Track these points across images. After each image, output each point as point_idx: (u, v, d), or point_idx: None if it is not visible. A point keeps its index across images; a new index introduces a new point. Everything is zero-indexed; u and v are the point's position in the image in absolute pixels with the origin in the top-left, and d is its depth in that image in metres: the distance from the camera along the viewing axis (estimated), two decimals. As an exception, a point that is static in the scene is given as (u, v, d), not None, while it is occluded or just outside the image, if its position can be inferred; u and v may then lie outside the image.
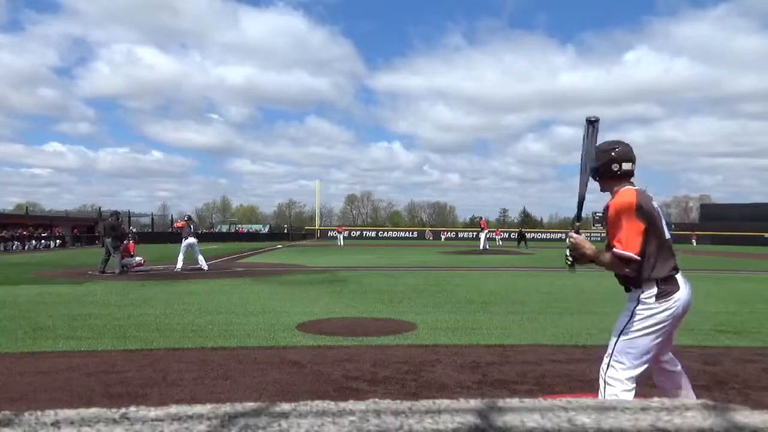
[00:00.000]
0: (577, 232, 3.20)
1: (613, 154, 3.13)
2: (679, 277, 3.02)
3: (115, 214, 16.40)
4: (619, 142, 3.20)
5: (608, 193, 3.19)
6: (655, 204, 3.10)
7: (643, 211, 2.96)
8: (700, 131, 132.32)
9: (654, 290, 2.95)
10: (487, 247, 32.52)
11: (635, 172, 3.19)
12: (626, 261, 2.92)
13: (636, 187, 3.13)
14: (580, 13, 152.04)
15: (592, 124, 3.05)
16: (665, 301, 2.93)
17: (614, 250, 2.95)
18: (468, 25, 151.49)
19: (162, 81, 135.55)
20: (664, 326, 2.94)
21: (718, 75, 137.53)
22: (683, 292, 2.98)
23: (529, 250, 35.17)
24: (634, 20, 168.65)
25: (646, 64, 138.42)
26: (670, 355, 3.24)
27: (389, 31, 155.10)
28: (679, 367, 3.24)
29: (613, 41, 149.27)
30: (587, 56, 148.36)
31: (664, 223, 3.10)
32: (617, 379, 3.00)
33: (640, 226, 2.93)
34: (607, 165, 3.12)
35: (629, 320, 3.01)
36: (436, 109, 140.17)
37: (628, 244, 2.91)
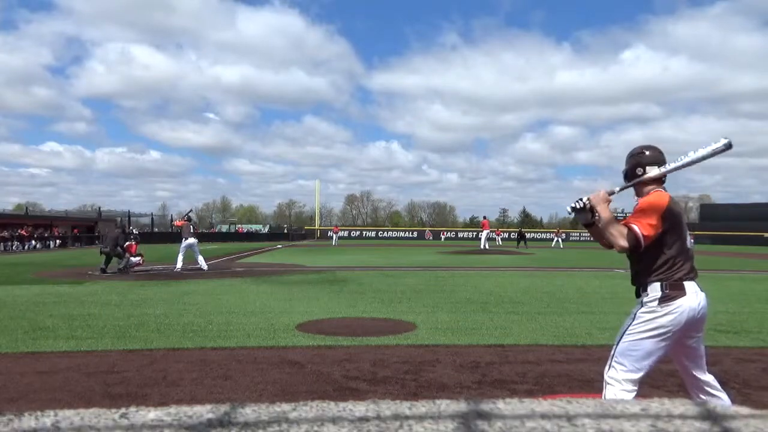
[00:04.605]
0: (610, 194, 3.19)
1: (639, 157, 3.20)
2: (690, 284, 3.00)
3: (122, 227, 16.72)
4: (648, 147, 3.25)
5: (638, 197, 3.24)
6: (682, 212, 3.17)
7: (669, 215, 3.01)
8: (699, 131, 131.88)
9: (658, 294, 2.96)
10: (487, 247, 32.54)
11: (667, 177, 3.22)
12: (633, 238, 2.97)
13: (668, 193, 3.17)
14: (577, 11, 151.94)
15: (727, 148, 3.02)
16: (667, 306, 2.93)
17: (632, 224, 2.99)
18: (464, 24, 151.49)
19: (158, 80, 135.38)
20: (666, 331, 2.93)
21: (717, 74, 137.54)
22: (691, 300, 2.96)
23: (529, 250, 35.18)
24: (631, 18, 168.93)
25: (644, 62, 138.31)
26: (712, 378, 3.19)
27: (385, 30, 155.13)
28: (723, 396, 3.16)
29: (610, 40, 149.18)
30: (584, 55, 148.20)
31: (687, 232, 3.14)
32: (616, 379, 3.01)
33: (659, 225, 2.97)
34: (633, 168, 3.20)
35: (632, 322, 3.03)
36: (433, 108, 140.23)
37: (643, 228, 2.96)
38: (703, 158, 3.06)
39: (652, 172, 3.14)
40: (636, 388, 2.98)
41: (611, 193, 3.19)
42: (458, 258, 24.78)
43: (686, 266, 3.03)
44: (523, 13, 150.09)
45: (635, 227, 2.97)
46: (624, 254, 3.16)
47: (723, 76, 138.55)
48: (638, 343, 2.97)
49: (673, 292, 2.95)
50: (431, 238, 62.07)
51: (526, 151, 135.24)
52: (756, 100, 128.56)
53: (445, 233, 64.93)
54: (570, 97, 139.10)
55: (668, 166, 3.14)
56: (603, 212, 3.10)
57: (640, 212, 3.04)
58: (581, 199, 3.21)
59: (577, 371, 4.98)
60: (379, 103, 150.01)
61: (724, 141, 3.01)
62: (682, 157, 3.12)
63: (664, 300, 2.95)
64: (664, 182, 3.24)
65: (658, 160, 3.18)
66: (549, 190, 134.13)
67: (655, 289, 2.98)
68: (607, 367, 3.09)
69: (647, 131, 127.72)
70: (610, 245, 3.23)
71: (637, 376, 2.99)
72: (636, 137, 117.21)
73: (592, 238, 3.45)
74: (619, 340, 3.05)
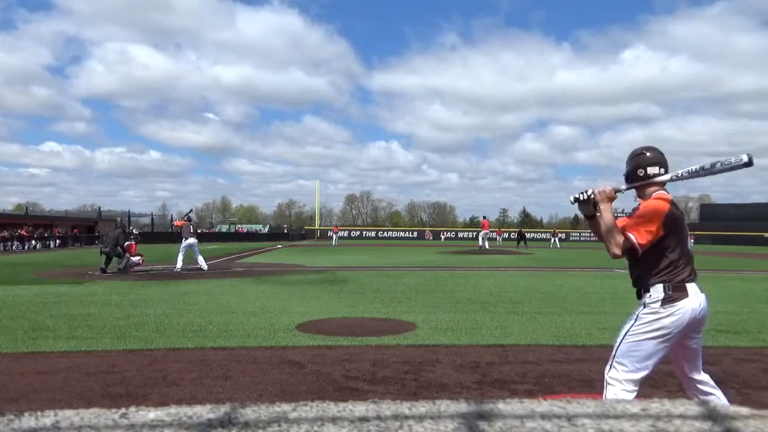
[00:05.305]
0: (616, 191, 3.19)
1: (640, 159, 3.21)
2: (692, 286, 3.02)
3: (123, 227, 16.84)
4: (648, 148, 3.26)
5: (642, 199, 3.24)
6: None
7: (669, 220, 3.01)
8: (699, 130, 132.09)
9: (661, 295, 2.97)
10: (487, 247, 32.58)
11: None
12: (629, 247, 3.00)
13: (670, 195, 3.18)
14: (577, 11, 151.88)
15: (747, 165, 2.86)
16: (670, 307, 2.94)
17: (629, 234, 3.02)
18: (463, 24, 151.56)
19: (157, 80, 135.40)
20: (667, 332, 2.94)
21: (717, 74, 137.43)
22: (692, 301, 2.97)
23: (529, 250, 35.19)
24: (631, 18, 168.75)
25: (644, 62, 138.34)
26: (707, 377, 3.20)
27: (385, 29, 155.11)
28: (718, 393, 3.18)
29: (610, 40, 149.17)
30: (584, 55, 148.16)
31: (687, 234, 3.16)
32: (617, 379, 3.02)
33: (659, 232, 2.99)
34: (634, 170, 3.21)
35: (634, 323, 3.03)
36: (432, 108, 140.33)
37: (641, 237, 2.98)
38: (720, 172, 2.99)
39: (664, 177, 3.15)
40: (637, 388, 2.99)
41: (617, 191, 3.20)
42: (458, 258, 24.78)
43: (688, 268, 3.05)
44: (523, 13, 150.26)
45: (632, 237, 3.00)
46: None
47: (723, 76, 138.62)
48: (640, 344, 2.97)
49: (675, 293, 2.97)
50: (431, 238, 62.08)
51: (526, 151, 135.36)
52: (756, 100, 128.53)
53: (445, 233, 64.93)
54: (570, 97, 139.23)
55: (680, 173, 3.12)
56: (605, 212, 3.12)
57: (641, 218, 3.05)
58: (586, 192, 3.22)
59: (577, 371, 4.98)
60: (378, 103, 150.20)
61: (745, 158, 2.83)
62: (695, 167, 3.07)
63: (666, 301, 2.95)
64: (665, 183, 3.25)
65: (659, 161, 3.19)
66: (549, 190, 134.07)
67: (657, 291, 2.99)
68: (607, 368, 3.10)
69: (647, 131, 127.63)
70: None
71: (638, 376, 2.99)
72: (636, 137, 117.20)
73: (591, 233, 3.47)
74: (621, 340, 3.06)
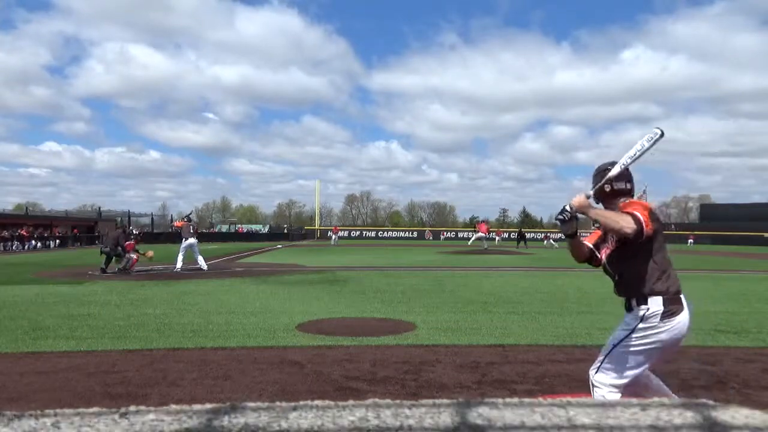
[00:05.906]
0: (587, 197, 3.14)
1: (605, 174, 3.17)
2: (683, 297, 2.99)
3: (123, 227, 16.93)
4: (613, 164, 3.22)
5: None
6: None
7: (654, 215, 2.98)
8: (699, 131, 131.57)
9: (660, 309, 2.91)
10: (486, 247, 32.69)
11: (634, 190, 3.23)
12: (637, 222, 2.84)
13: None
14: (576, 10, 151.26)
15: (662, 136, 3.12)
16: (669, 322, 2.90)
17: (633, 212, 2.89)
18: (463, 24, 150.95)
19: (157, 80, 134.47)
20: (663, 345, 2.93)
21: (716, 74, 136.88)
22: (686, 313, 2.95)
23: (529, 250, 35.19)
24: (630, 18, 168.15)
25: (644, 62, 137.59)
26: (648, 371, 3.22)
27: (384, 29, 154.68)
28: (651, 375, 3.21)
29: (609, 39, 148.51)
30: (583, 54, 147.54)
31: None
32: (604, 383, 3.04)
33: (650, 223, 2.92)
34: (601, 186, 3.18)
35: (628, 335, 2.98)
36: (432, 108, 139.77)
37: (644, 217, 2.88)
38: (647, 149, 3.13)
39: (614, 171, 3.11)
40: (621, 390, 3.02)
41: (588, 196, 3.13)
42: (458, 258, 24.78)
43: (675, 277, 3.01)
44: (522, 13, 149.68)
45: (637, 213, 2.86)
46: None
47: (723, 76, 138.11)
48: (633, 355, 2.97)
49: (673, 306, 2.92)
50: (431, 238, 62.05)
51: (526, 151, 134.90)
52: (756, 100, 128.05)
53: (445, 233, 64.92)
54: (569, 96, 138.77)
55: (624, 161, 3.13)
56: (591, 209, 3.04)
57: (630, 207, 2.99)
58: (564, 209, 3.11)
59: (577, 371, 4.97)
60: (378, 103, 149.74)
61: (658, 131, 3.14)
62: (631, 152, 3.16)
63: (666, 315, 2.90)
64: (631, 194, 3.22)
65: (624, 175, 3.17)
66: (549, 190, 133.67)
67: (657, 304, 2.92)
68: (594, 370, 3.09)
69: (647, 131, 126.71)
70: (585, 258, 3.26)
71: (624, 381, 3.01)
72: (636, 137, 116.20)
73: (569, 251, 3.40)
74: (613, 347, 3.03)
